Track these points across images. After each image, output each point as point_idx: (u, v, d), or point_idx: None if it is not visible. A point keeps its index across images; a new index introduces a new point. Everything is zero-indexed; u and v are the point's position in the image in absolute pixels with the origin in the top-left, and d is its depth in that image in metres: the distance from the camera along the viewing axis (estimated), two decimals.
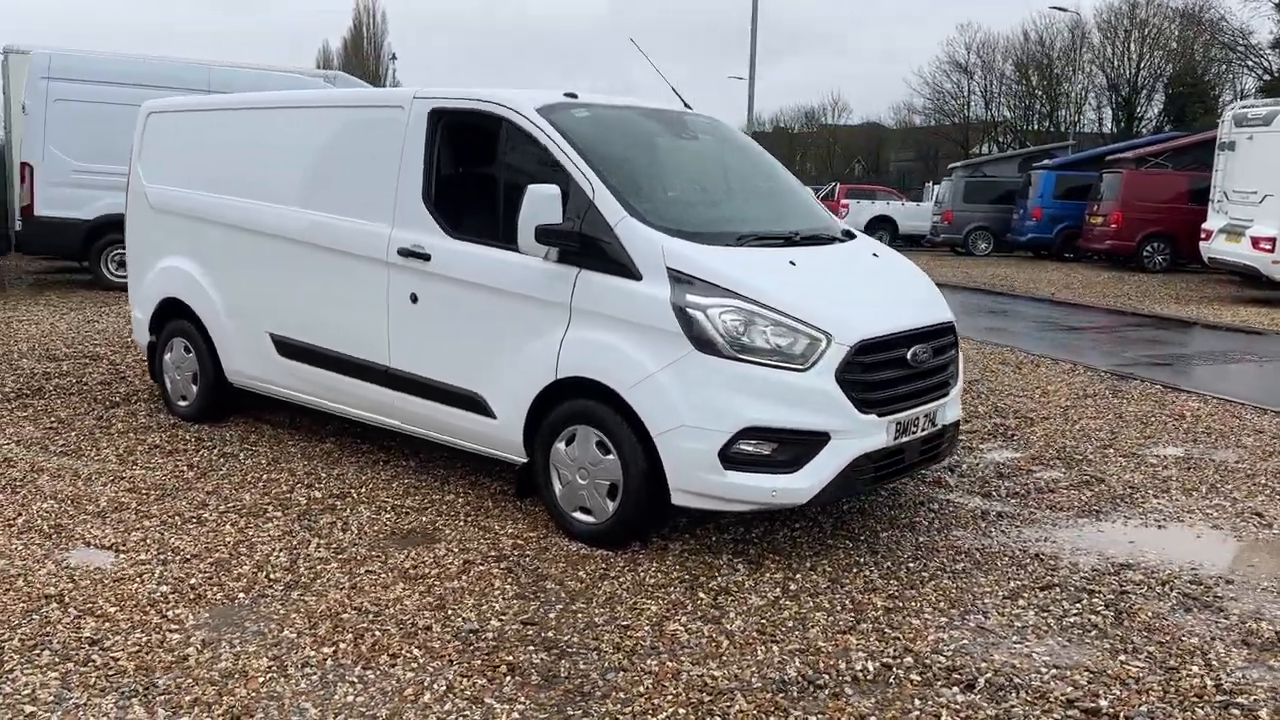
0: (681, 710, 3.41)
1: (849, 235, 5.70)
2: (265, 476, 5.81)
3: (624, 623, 4.04)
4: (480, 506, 5.37)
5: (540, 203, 4.70)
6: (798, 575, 4.56)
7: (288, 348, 6.22)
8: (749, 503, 4.52)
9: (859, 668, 3.72)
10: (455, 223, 5.31)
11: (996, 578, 4.60)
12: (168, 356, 7.09)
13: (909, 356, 4.79)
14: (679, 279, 4.56)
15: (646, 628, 4.00)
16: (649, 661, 3.73)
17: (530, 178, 4.97)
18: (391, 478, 5.84)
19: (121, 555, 4.63)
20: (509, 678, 3.60)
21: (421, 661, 3.70)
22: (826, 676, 3.66)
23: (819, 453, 4.50)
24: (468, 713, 3.37)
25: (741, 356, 4.44)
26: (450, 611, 4.10)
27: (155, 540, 4.80)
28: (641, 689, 3.54)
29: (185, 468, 5.96)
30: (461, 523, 5.14)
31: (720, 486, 4.48)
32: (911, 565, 4.72)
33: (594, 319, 4.75)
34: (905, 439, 4.81)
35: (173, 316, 6.98)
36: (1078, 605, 4.31)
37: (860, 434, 4.57)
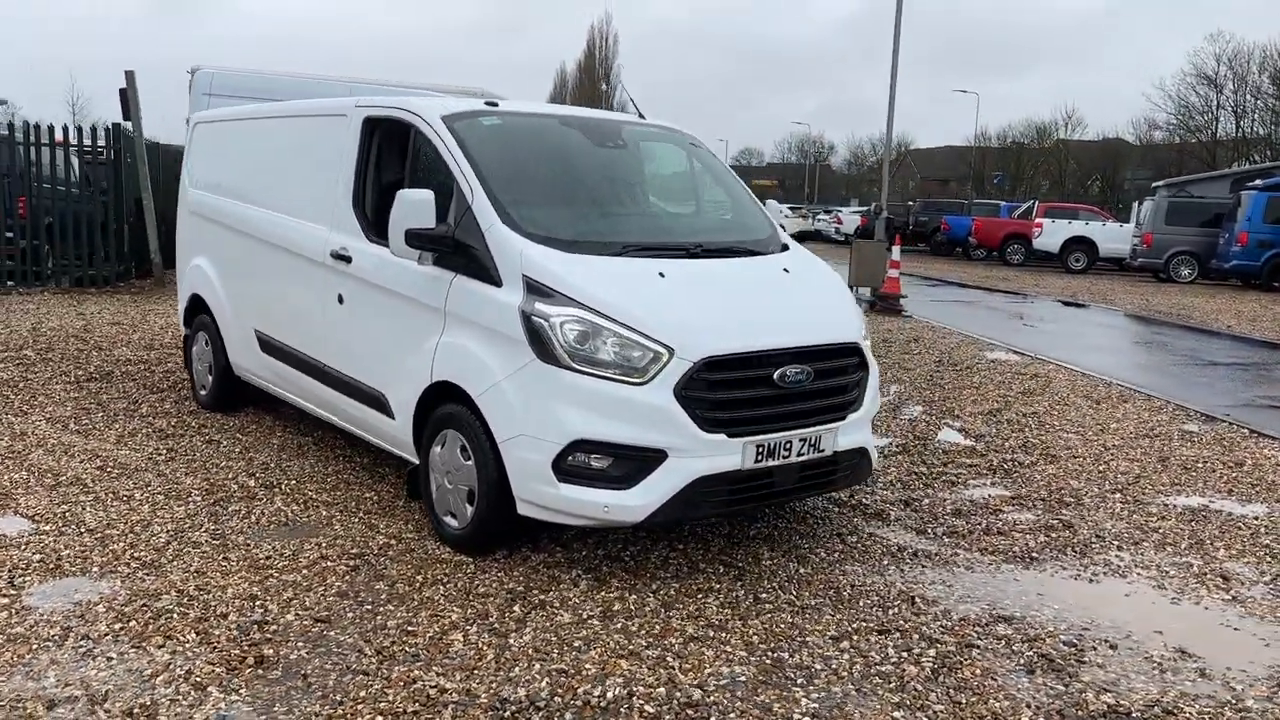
0: (379, 719, 3.37)
1: (785, 249, 5.45)
2: (223, 463, 6.16)
3: (410, 628, 4.03)
4: (384, 505, 5.49)
5: (410, 207, 4.76)
6: (632, 596, 4.40)
7: (266, 344, 6.56)
8: (582, 517, 4.40)
9: (599, 694, 3.55)
10: (375, 227, 5.46)
11: (842, 617, 4.26)
12: (195, 349, 7.63)
13: (776, 377, 4.52)
14: (533, 287, 4.50)
15: (429, 635, 3.97)
16: (397, 668, 3.71)
17: (427, 183, 5.05)
18: (333, 472, 6.05)
19: (33, 524, 5.03)
20: (250, 669, 3.66)
21: (186, 646, 3.82)
22: (557, 700, 3.51)
23: (653, 470, 4.32)
24: (181, 697, 3.46)
25: (580, 368, 4.34)
26: (259, 602, 4.22)
27: (74, 514, 5.19)
28: (362, 694, 3.52)
29: (164, 451, 6.39)
30: (354, 520, 5.26)
31: (554, 499, 4.38)
32: (763, 595, 4.45)
33: (463, 325, 4.77)
34: (772, 463, 4.54)
35: (199, 312, 7.52)
36: (904, 654, 3.93)
37: (704, 454, 4.36)
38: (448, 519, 4.90)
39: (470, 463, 4.70)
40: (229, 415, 7.33)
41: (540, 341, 4.39)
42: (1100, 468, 6.76)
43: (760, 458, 4.50)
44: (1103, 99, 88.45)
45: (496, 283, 4.63)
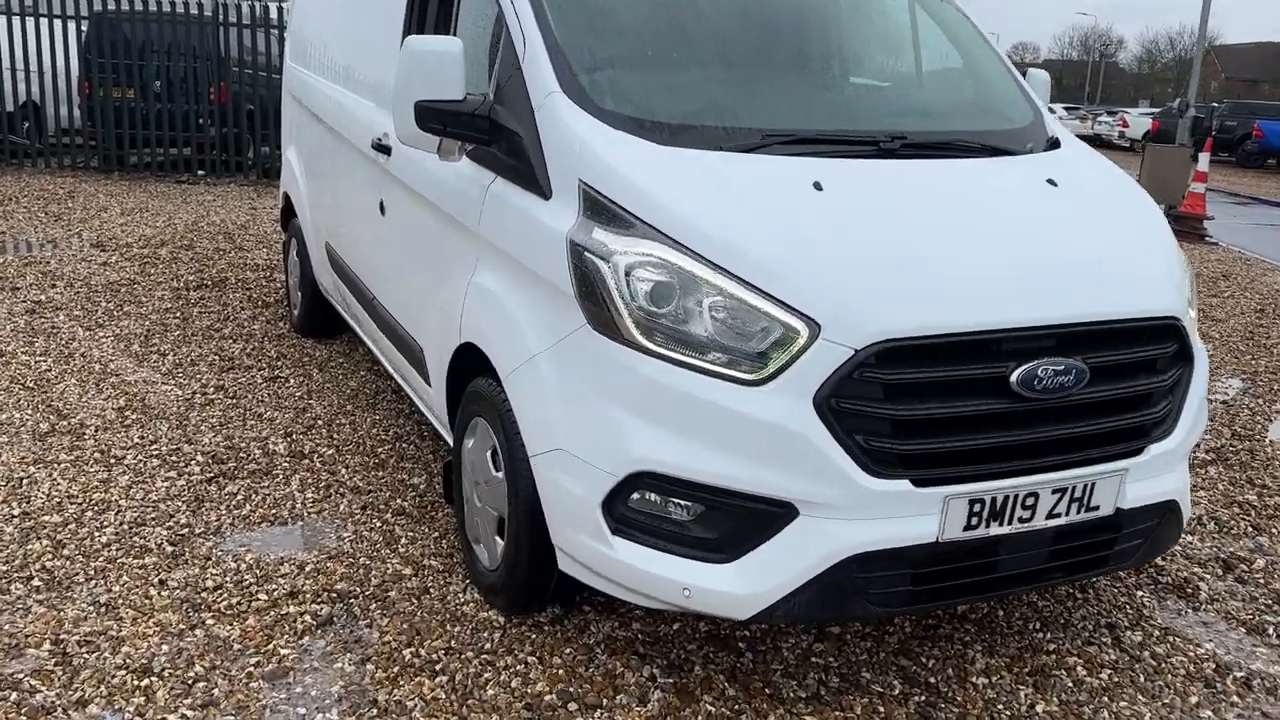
0: None
1: (1053, 145, 3.31)
2: (266, 413, 4.74)
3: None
4: (423, 505, 3.88)
5: (420, 64, 2.97)
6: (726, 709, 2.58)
7: (334, 260, 5.07)
8: (648, 596, 2.59)
9: None
10: None
11: None
12: (289, 258, 6.29)
13: (1015, 378, 2.48)
14: (593, 203, 2.66)
15: None
16: None
17: (477, 39, 3.27)
18: (391, 439, 4.51)
19: None
20: None
21: None
22: None
23: (773, 535, 2.44)
24: None
25: (656, 347, 2.48)
26: (128, 634, 2.72)
27: (30, 485, 3.90)
28: None
29: (211, 389, 5.06)
30: (373, 525, 3.69)
31: (604, 560, 2.60)
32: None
33: (497, 259, 3.01)
34: (998, 530, 2.54)
35: (292, 215, 6.14)
36: None
37: (869, 513, 2.42)
38: (478, 549, 3.23)
39: (500, 475, 2.98)
40: (320, 342, 5.96)
41: (594, 296, 2.56)
42: None
43: (976, 522, 2.51)
44: None
45: (543, 192, 2.81)
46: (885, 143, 2.96)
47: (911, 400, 2.42)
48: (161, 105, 12.91)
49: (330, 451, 4.35)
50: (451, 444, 3.49)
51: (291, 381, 5.27)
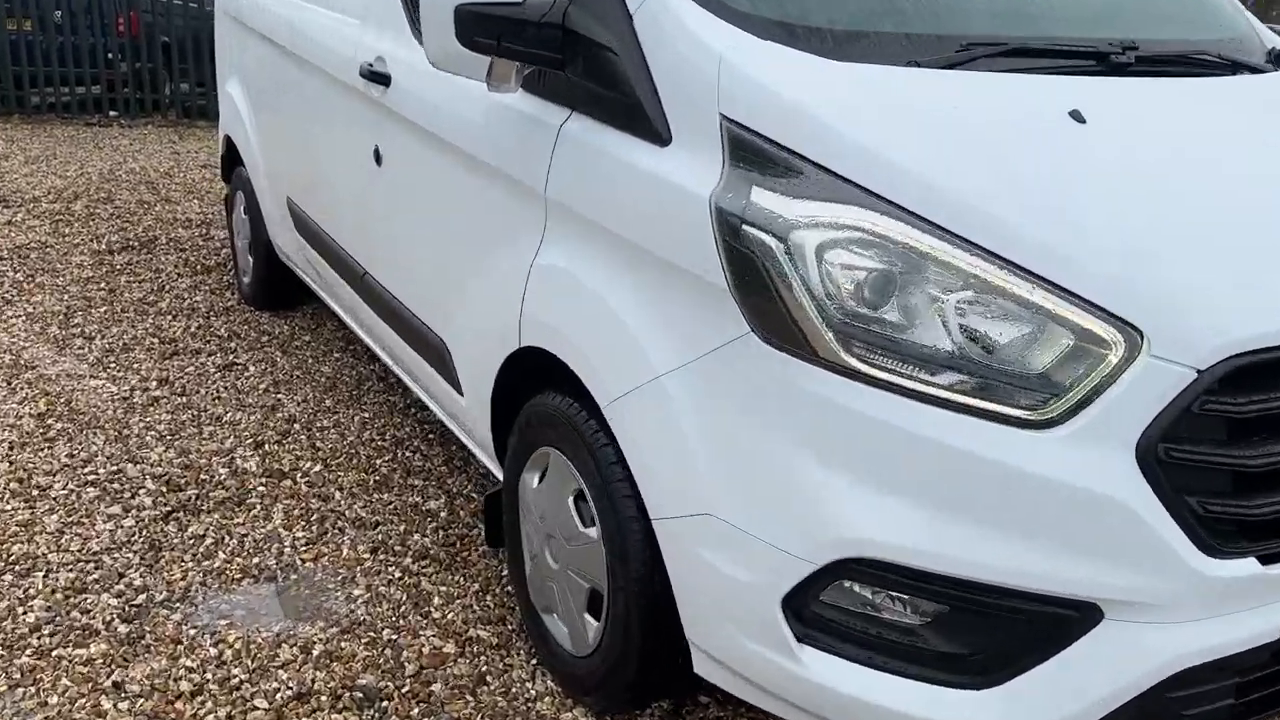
0: None
1: (1275, 60, 2.50)
2: (228, 415, 3.82)
3: None
4: (454, 542, 3.03)
5: None
6: None
7: (300, 220, 4.11)
8: None
9: None
10: None
11: None
12: (234, 215, 5.28)
13: None
14: (753, 148, 1.78)
15: None
16: None
17: None
18: (392, 443, 3.63)
19: None
20: None
21: None
22: None
23: (1060, 649, 1.64)
24: None
25: (872, 369, 1.64)
26: None
27: None
28: None
29: (153, 384, 4.10)
30: (395, 570, 2.83)
31: (782, 677, 1.78)
32: None
33: (579, 229, 2.12)
34: None
35: (237, 162, 5.12)
36: None
37: (1204, 608, 1.64)
38: (550, 620, 2.39)
39: (594, 533, 2.14)
40: (278, 316, 5.00)
41: (763, 291, 1.71)
42: None
43: None
44: None
45: (656, 134, 1.93)
46: (1116, 54, 2.12)
47: (1266, 440, 1.62)
48: (64, 38, 11.56)
49: (316, 468, 3.45)
50: (498, 474, 2.63)
51: (251, 369, 4.33)
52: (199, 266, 5.82)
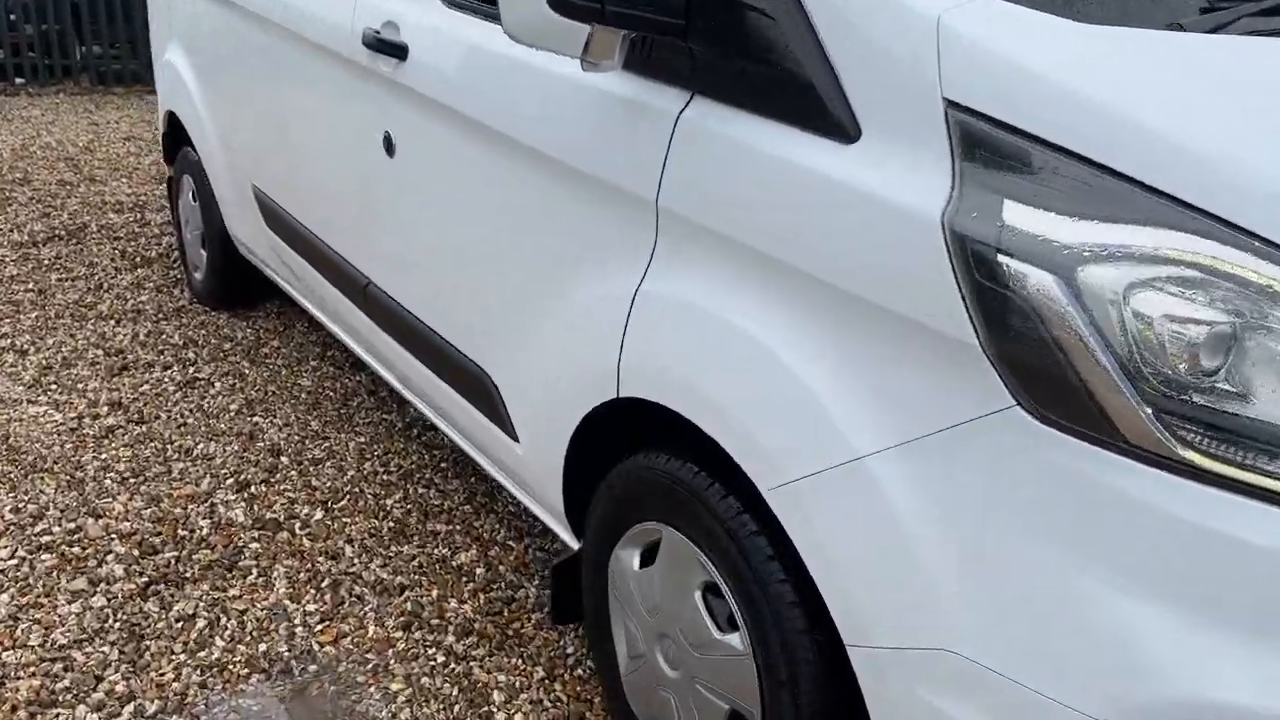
0: None
1: None
2: (198, 446, 3.24)
3: None
4: (496, 604, 2.52)
5: None
6: None
7: (271, 215, 3.51)
8: None
9: None
10: None
11: None
12: (181, 202, 4.63)
13: None
14: (995, 144, 1.28)
15: None
16: None
17: None
18: (387, 490, 3.09)
19: None
20: None
21: None
22: None
23: None
24: None
25: (1214, 459, 1.17)
26: None
27: None
28: None
29: (103, 409, 3.50)
30: (438, 655, 2.32)
31: None
32: None
33: (708, 246, 1.61)
34: None
35: (183, 143, 4.46)
36: None
37: None
38: None
39: (736, 641, 1.65)
40: (236, 316, 4.40)
41: (1037, 349, 1.22)
42: None
43: None
44: None
45: (838, 126, 1.42)
46: None
47: None
48: None
49: (317, 514, 2.91)
50: (557, 527, 2.14)
51: (217, 385, 3.74)
52: (138, 259, 5.15)
